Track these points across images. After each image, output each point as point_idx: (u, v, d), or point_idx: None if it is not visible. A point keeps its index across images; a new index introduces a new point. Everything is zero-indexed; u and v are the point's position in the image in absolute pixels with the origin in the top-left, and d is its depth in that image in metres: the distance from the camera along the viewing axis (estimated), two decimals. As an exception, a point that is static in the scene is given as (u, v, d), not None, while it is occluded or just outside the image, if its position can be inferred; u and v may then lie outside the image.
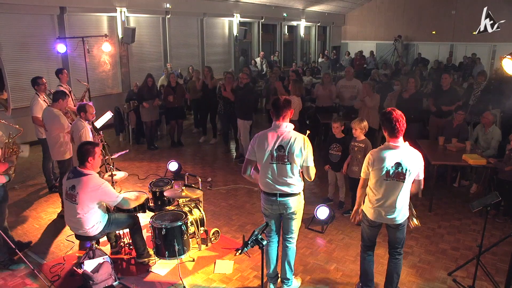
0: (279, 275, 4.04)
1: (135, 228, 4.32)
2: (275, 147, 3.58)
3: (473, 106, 7.39)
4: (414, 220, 3.75)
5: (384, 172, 3.40)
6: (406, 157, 3.39)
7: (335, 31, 21.98)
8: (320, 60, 18.71)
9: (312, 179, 3.76)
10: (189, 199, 4.75)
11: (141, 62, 11.74)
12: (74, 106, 6.50)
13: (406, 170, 3.38)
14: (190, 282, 4.16)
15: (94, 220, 3.94)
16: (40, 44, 9.21)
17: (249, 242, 2.93)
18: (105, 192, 3.89)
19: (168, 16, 12.14)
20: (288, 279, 3.97)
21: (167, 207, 4.80)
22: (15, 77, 8.84)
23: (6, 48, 8.68)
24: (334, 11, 20.46)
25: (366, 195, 3.68)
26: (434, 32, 19.20)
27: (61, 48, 7.93)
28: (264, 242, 2.93)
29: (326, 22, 20.82)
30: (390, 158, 3.38)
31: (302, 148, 3.57)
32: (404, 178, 3.40)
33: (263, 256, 3.03)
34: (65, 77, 7.16)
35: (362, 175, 3.62)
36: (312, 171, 3.69)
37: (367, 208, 3.65)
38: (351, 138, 5.48)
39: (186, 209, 4.66)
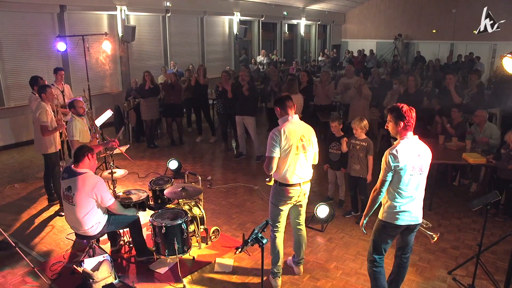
0: (296, 260, 4.25)
1: (135, 228, 4.31)
2: (299, 137, 3.75)
3: (467, 105, 7.37)
4: (429, 232, 3.59)
5: (410, 167, 3.26)
6: (422, 149, 3.34)
7: (335, 29, 21.96)
8: (320, 58, 18.71)
9: (317, 162, 4.09)
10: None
11: (141, 61, 11.73)
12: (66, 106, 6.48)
13: (424, 161, 3.32)
14: (190, 281, 4.16)
15: (93, 221, 3.94)
16: (40, 42, 9.21)
17: (249, 241, 2.92)
18: (101, 190, 3.90)
19: (168, 15, 12.13)
20: (303, 258, 4.28)
21: (167, 206, 4.81)
22: (15, 75, 8.85)
23: (6, 46, 8.68)
24: (335, 9, 20.44)
25: (384, 202, 3.44)
26: (434, 31, 19.19)
27: (61, 46, 7.92)
28: (264, 241, 2.92)
29: (326, 20, 20.81)
30: (413, 151, 3.28)
31: (314, 135, 3.93)
32: (425, 170, 3.34)
33: (263, 255, 3.02)
34: (59, 78, 7.20)
35: (382, 176, 3.32)
36: (317, 155, 4.06)
37: (391, 214, 3.37)
38: (350, 136, 5.47)
39: (186, 207, 4.67)
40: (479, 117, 6.20)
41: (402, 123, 3.29)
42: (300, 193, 3.88)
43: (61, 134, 6.00)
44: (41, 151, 5.73)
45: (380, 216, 3.48)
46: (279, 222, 3.94)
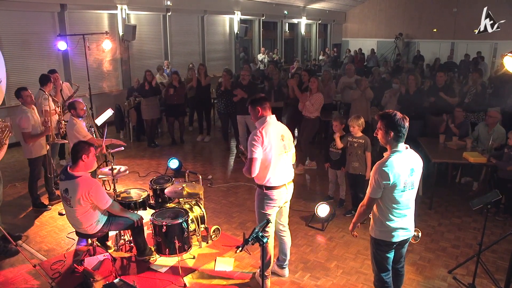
0: (281, 264, 4.19)
1: (137, 230, 4.27)
2: (280, 138, 3.72)
3: (468, 104, 7.38)
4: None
5: (402, 184, 3.01)
6: (415, 161, 3.11)
7: (336, 28, 21.96)
8: (321, 58, 18.71)
9: (294, 162, 4.08)
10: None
11: (141, 60, 11.74)
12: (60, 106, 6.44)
13: (417, 176, 3.10)
14: (191, 280, 4.16)
15: (91, 220, 3.94)
16: (41, 42, 9.21)
17: (250, 240, 2.92)
18: (96, 194, 3.84)
19: (169, 14, 12.13)
20: (287, 262, 4.22)
21: (168, 205, 4.82)
22: (15, 74, 8.84)
23: (6, 46, 8.68)
24: (335, 8, 20.43)
25: (375, 218, 3.20)
26: (435, 30, 19.18)
27: (61, 45, 7.91)
28: (265, 240, 2.92)
29: (327, 19, 20.80)
30: (405, 166, 3.02)
31: (291, 136, 3.87)
32: (416, 184, 3.14)
33: (264, 253, 3.03)
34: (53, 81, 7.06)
35: (370, 193, 3.08)
36: (294, 155, 4.02)
37: (385, 233, 3.15)
38: (347, 134, 5.49)
39: (186, 206, 4.67)
40: (493, 118, 6.16)
41: (392, 133, 3.00)
42: (287, 194, 3.85)
43: (48, 137, 5.75)
44: (25, 155, 5.59)
45: (372, 234, 3.25)
46: (269, 227, 3.85)
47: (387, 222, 3.12)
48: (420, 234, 3.41)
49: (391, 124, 3.00)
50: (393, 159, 3.01)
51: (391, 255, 3.27)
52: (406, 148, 3.10)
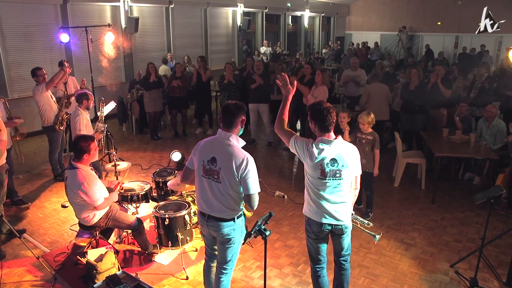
0: None
1: (137, 232, 4.26)
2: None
3: (474, 99, 7.32)
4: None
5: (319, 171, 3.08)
6: (343, 153, 3.06)
7: (339, 21, 21.82)
8: (324, 51, 18.62)
9: None
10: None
11: (144, 52, 11.70)
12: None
13: (343, 167, 3.06)
14: (193, 272, 4.18)
15: (86, 211, 3.96)
16: (43, 34, 9.19)
17: (252, 233, 2.93)
18: (86, 190, 3.82)
19: (172, 6, 12.08)
20: None
21: (171, 197, 4.83)
22: (17, 67, 8.84)
23: (9, 38, 8.66)
24: (339, 1, 20.30)
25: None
26: (439, 23, 19.04)
27: (64, 37, 7.88)
28: (267, 233, 2.92)
29: (330, 12, 20.66)
30: (325, 155, 3.03)
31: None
32: (345, 175, 3.10)
33: (266, 247, 3.02)
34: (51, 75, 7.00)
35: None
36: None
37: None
38: (355, 130, 5.44)
39: (189, 199, 4.68)
40: (489, 112, 6.13)
41: (315, 123, 3.04)
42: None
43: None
44: None
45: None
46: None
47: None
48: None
49: (314, 114, 3.03)
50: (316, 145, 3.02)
51: None
52: (335, 138, 3.05)
